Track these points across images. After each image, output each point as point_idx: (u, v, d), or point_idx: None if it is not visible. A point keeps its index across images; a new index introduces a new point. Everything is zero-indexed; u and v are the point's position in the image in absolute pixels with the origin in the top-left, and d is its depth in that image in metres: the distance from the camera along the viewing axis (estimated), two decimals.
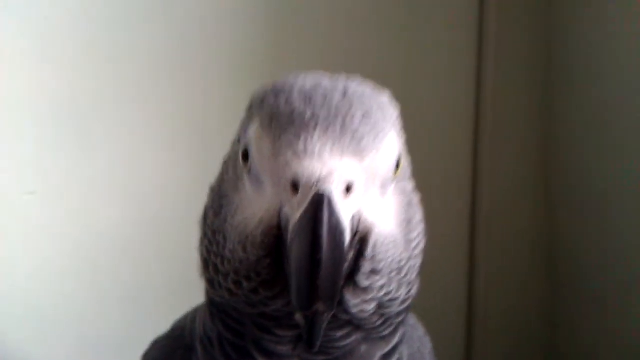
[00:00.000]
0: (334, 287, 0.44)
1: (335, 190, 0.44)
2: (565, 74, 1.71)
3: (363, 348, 0.55)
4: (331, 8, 1.46)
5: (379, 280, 0.50)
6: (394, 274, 0.52)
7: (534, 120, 1.73)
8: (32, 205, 1.24)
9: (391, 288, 0.52)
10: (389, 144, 0.48)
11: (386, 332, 0.57)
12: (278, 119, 0.46)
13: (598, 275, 1.63)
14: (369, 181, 0.47)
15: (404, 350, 0.62)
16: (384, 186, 0.50)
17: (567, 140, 1.73)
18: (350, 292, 0.49)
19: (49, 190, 1.26)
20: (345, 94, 0.48)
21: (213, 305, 0.58)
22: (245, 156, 0.51)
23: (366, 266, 0.48)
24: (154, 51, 1.32)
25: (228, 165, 0.57)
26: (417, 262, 0.56)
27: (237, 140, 0.56)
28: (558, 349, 1.78)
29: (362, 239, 0.48)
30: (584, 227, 1.68)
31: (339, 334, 0.53)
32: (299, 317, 0.46)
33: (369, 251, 0.48)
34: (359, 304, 0.50)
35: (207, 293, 0.58)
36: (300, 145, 0.45)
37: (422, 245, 0.58)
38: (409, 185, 0.57)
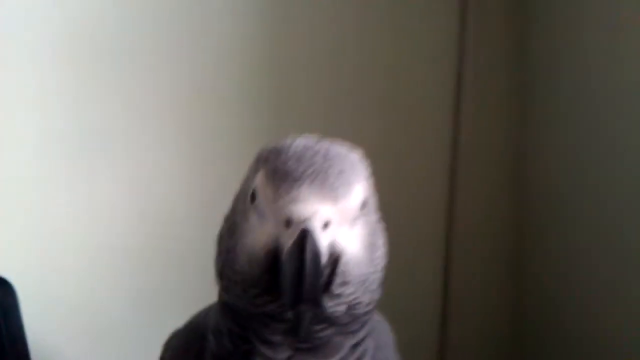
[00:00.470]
0: (315, 293, 0.63)
1: (316, 226, 0.62)
2: (539, 87, 1.78)
3: (337, 339, 0.73)
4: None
5: (348, 289, 0.69)
6: (359, 284, 0.70)
7: (509, 131, 1.85)
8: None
9: (357, 295, 0.70)
10: (356, 192, 0.67)
11: (354, 328, 0.75)
12: (277, 173, 0.65)
13: (565, 287, 1.71)
14: (341, 219, 0.66)
15: (370, 343, 0.80)
16: (352, 220, 0.68)
17: (540, 152, 1.79)
18: (327, 297, 0.67)
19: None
20: (326, 156, 0.67)
21: (225, 305, 0.76)
22: (252, 196, 0.69)
23: (338, 279, 0.67)
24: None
25: (238, 200, 0.75)
26: (379, 275, 0.75)
27: (246, 182, 0.74)
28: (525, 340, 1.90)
29: (335, 259, 0.66)
30: (553, 236, 1.77)
31: (318, 327, 0.71)
32: (289, 314, 0.64)
33: (340, 268, 0.66)
34: (333, 306, 0.68)
35: (220, 296, 0.77)
36: (293, 194, 0.63)
37: (383, 263, 0.76)
38: (374, 217, 0.76)
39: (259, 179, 0.68)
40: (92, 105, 1.41)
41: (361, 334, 0.77)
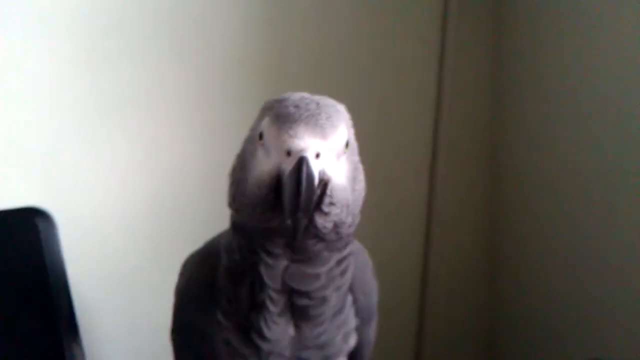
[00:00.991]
0: (308, 206, 0.81)
1: (310, 156, 0.80)
2: (515, 91, 1.86)
3: (325, 253, 0.92)
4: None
5: (335, 209, 0.86)
6: (344, 207, 0.88)
7: (485, 131, 1.97)
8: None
9: (342, 215, 0.88)
10: (340, 133, 0.85)
11: (339, 245, 0.93)
12: (280, 117, 0.84)
13: (540, 290, 1.79)
14: (329, 152, 0.84)
15: (352, 261, 1.00)
16: (338, 156, 0.86)
17: (516, 148, 1.88)
18: (317, 214, 0.86)
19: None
20: (318, 104, 0.85)
21: (236, 226, 0.95)
22: (260, 136, 0.88)
23: (327, 200, 0.85)
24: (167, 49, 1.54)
25: (247, 142, 0.94)
26: (359, 203, 0.93)
27: (254, 127, 0.93)
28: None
29: (324, 184, 0.84)
30: (527, 228, 1.86)
31: (310, 242, 0.89)
32: (288, 223, 0.83)
33: (328, 192, 0.85)
34: (323, 222, 0.86)
35: (232, 217, 0.96)
36: (292, 132, 0.81)
37: (363, 193, 0.95)
38: (356, 157, 0.94)
39: (266, 122, 0.87)
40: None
41: (345, 252, 0.96)
